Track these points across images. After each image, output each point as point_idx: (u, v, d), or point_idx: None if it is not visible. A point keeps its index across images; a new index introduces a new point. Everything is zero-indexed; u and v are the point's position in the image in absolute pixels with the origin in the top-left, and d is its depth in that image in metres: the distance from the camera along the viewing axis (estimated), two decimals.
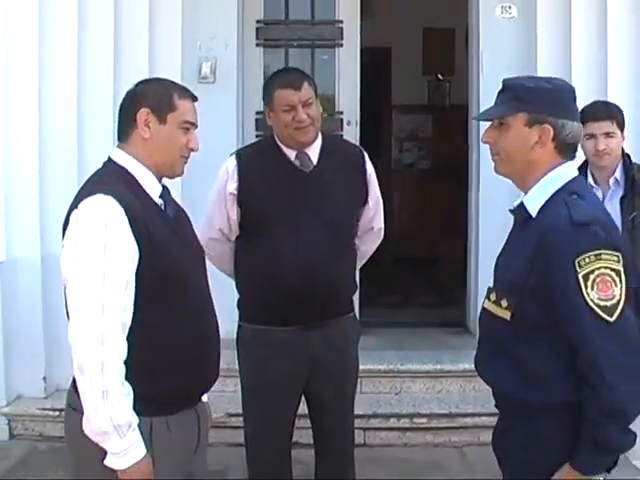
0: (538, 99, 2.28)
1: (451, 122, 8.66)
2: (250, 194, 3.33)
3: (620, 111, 3.70)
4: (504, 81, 2.39)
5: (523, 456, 2.30)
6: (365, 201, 3.50)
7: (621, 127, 3.67)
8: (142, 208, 2.32)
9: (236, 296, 3.51)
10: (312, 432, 3.63)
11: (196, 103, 2.50)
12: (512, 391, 2.29)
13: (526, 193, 2.35)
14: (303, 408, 3.57)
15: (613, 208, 3.46)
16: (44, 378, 4.61)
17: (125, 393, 2.23)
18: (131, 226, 2.25)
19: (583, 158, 3.61)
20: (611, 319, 2.12)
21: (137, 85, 2.49)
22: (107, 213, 2.24)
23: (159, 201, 2.43)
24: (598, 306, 2.12)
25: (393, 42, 8.68)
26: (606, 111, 3.62)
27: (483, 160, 5.14)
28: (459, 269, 6.29)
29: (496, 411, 4.32)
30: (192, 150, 2.46)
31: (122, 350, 2.23)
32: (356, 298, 3.83)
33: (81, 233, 2.25)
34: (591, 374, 2.13)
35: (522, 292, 2.22)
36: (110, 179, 2.35)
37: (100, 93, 4.68)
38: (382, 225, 3.66)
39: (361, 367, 3.71)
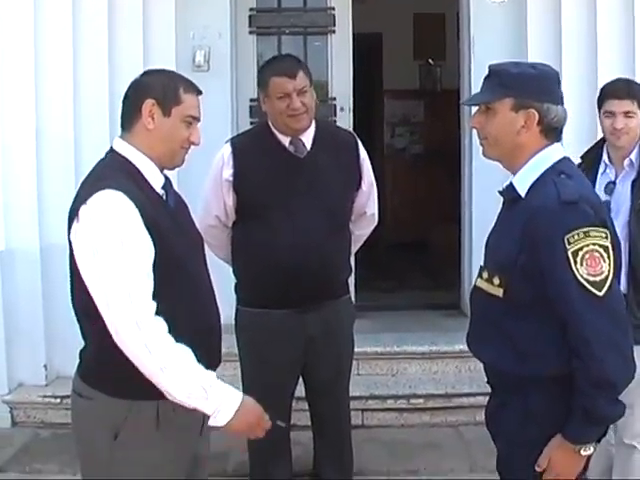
0: (523, 84, 2.33)
1: (443, 107, 8.65)
2: (245, 180, 3.38)
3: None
4: (490, 67, 2.44)
5: (517, 430, 2.35)
6: (359, 185, 3.55)
7: None
8: (148, 201, 2.34)
9: (233, 281, 3.57)
10: (309, 414, 3.70)
11: (200, 82, 2.51)
12: (505, 366, 2.35)
13: (514, 174, 2.40)
14: (300, 390, 3.63)
15: (624, 190, 3.41)
16: (45, 366, 4.64)
17: (182, 360, 2.25)
18: (144, 221, 2.28)
19: (599, 135, 3.59)
20: (600, 293, 2.18)
21: (143, 75, 2.51)
22: (119, 209, 2.26)
23: (161, 192, 2.45)
24: (587, 281, 2.18)
25: (384, 28, 8.69)
26: (628, 90, 3.49)
27: (475, 145, 5.15)
28: (452, 253, 6.34)
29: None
30: (193, 144, 2.48)
31: (161, 327, 2.25)
32: (351, 282, 3.88)
33: (96, 230, 2.25)
34: (580, 347, 2.19)
35: (513, 270, 2.28)
36: (115, 172, 2.36)
37: (95, 82, 4.70)
38: (375, 210, 3.71)
39: (358, 350, 3.77)
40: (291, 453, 3.71)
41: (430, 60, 9.19)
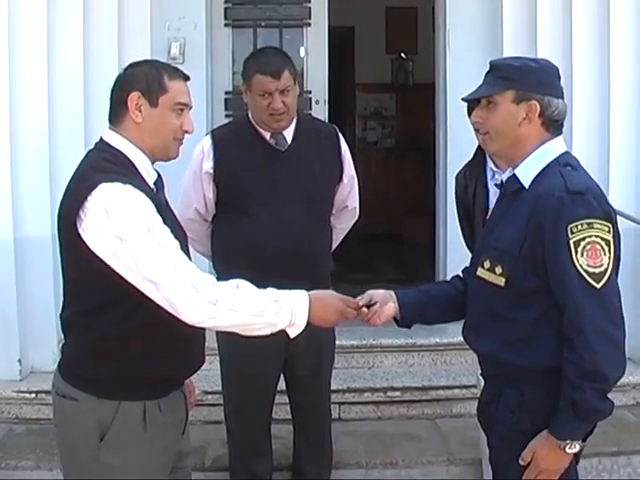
0: (525, 77, 2.35)
1: (414, 101, 8.73)
2: (226, 172, 3.36)
3: None
4: (492, 62, 2.46)
5: (510, 421, 2.37)
6: (340, 178, 3.55)
7: None
8: (150, 194, 2.31)
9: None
10: (290, 407, 3.71)
11: (189, 82, 2.46)
12: (504, 356, 2.36)
13: (515, 167, 2.42)
14: (280, 384, 3.63)
15: None
16: (19, 360, 4.58)
17: (244, 292, 2.26)
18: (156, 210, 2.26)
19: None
20: (598, 285, 2.20)
21: (127, 69, 2.45)
22: (135, 197, 2.23)
23: (153, 187, 2.41)
24: (587, 272, 2.20)
25: (356, 21, 8.71)
26: None
27: (450, 138, 5.21)
28: (425, 246, 6.37)
29: (467, 383, 4.48)
30: (186, 132, 2.43)
31: (210, 279, 2.25)
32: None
33: (118, 219, 2.19)
34: (575, 336, 2.21)
35: (516, 259, 2.29)
36: (113, 166, 2.31)
37: (70, 73, 4.65)
38: (357, 204, 3.71)
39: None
40: (271, 447, 3.71)
41: (402, 54, 9.21)
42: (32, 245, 4.55)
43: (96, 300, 2.29)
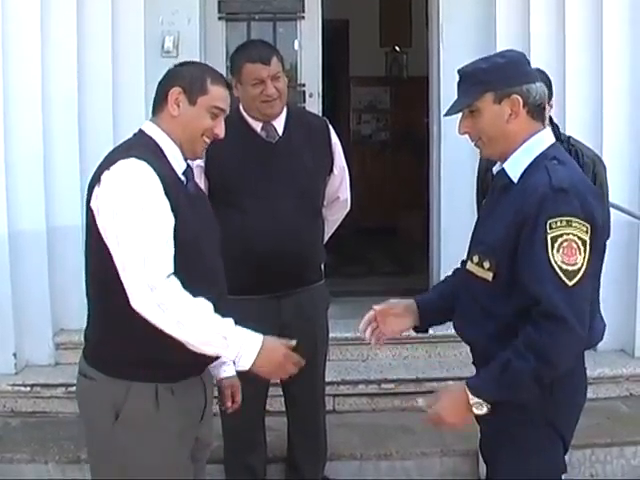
0: (497, 75, 2.36)
1: (409, 94, 8.72)
2: (218, 166, 3.37)
3: (548, 79, 3.55)
4: (460, 71, 2.46)
5: (502, 412, 2.34)
6: (330, 170, 3.57)
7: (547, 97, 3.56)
8: (169, 177, 2.39)
9: None
10: (284, 400, 3.72)
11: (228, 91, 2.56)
12: (490, 347, 2.37)
13: (504, 161, 2.42)
14: None
15: None
16: (14, 354, 4.58)
17: (198, 313, 2.30)
18: (165, 193, 2.33)
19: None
20: (570, 283, 2.21)
21: (177, 66, 2.59)
22: (143, 175, 2.32)
23: (182, 178, 2.50)
24: (560, 268, 2.21)
25: (350, 14, 8.71)
26: None
27: (444, 131, 5.21)
28: (419, 238, 6.39)
29: (460, 375, 4.49)
30: (217, 136, 2.54)
31: (176, 286, 2.29)
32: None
33: (118, 193, 2.31)
34: (544, 321, 2.21)
35: (503, 254, 2.31)
36: (141, 147, 2.42)
37: (63, 66, 4.65)
38: (348, 196, 3.73)
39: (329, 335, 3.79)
40: (266, 439, 3.73)
41: (396, 47, 9.22)
42: (27, 239, 4.55)
43: (113, 280, 2.34)
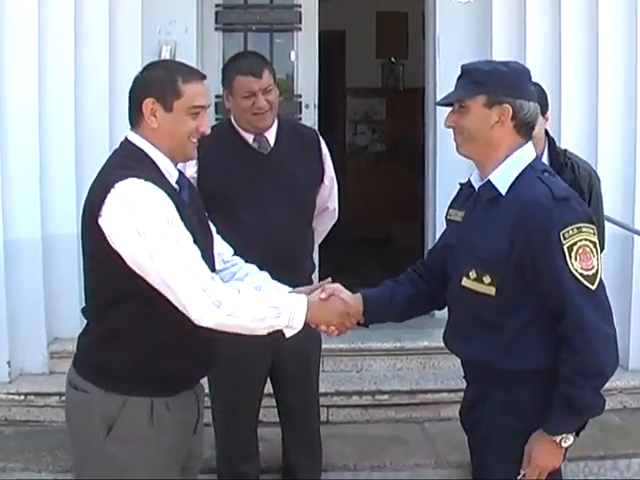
0: (495, 81, 2.39)
1: (404, 105, 8.75)
2: (210, 177, 3.38)
3: (543, 92, 3.57)
4: (462, 67, 2.50)
5: (497, 422, 2.40)
6: (321, 180, 3.58)
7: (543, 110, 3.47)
8: (168, 190, 2.36)
9: None
10: (277, 410, 3.71)
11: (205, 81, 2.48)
12: (490, 359, 2.39)
13: (488, 173, 2.43)
14: (267, 387, 3.64)
15: None
16: (8, 362, 4.57)
17: (245, 297, 2.34)
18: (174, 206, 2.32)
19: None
20: (593, 287, 2.27)
21: (143, 71, 2.50)
22: (155, 193, 2.29)
23: (176, 186, 2.46)
24: (581, 275, 2.25)
25: (347, 25, 8.74)
26: None
27: (440, 142, 5.23)
28: (414, 250, 6.38)
29: (455, 387, 4.49)
30: (203, 134, 2.46)
31: (218, 281, 2.34)
32: (315, 279, 3.89)
33: (138, 212, 2.25)
34: (576, 337, 2.25)
35: (505, 267, 2.32)
36: (136, 164, 2.36)
37: (61, 75, 4.65)
38: (336, 205, 3.75)
39: (323, 346, 3.77)
40: (258, 449, 3.72)
41: (392, 58, 9.24)
42: (22, 248, 4.55)
43: (111, 293, 2.34)
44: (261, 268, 3.28)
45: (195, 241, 2.36)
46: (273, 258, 3.29)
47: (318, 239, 3.79)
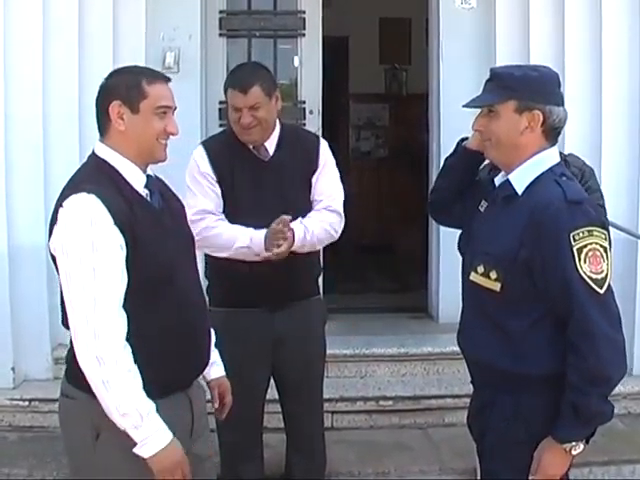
0: (526, 87, 2.39)
1: (408, 111, 8.75)
2: (220, 180, 3.42)
3: None
4: (492, 70, 2.50)
5: (505, 429, 2.39)
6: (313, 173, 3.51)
7: None
8: (126, 205, 2.35)
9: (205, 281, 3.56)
10: (282, 416, 3.71)
11: (170, 83, 2.47)
12: (499, 363, 2.38)
13: (509, 172, 2.45)
14: (271, 393, 3.64)
15: None
16: (12, 369, 4.58)
17: (129, 381, 2.27)
18: (115, 223, 2.29)
19: None
20: (601, 291, 2.26)
21: (107, 78, 2.50)
22: (91, 211, 2.28)
23: (144, 192, 2.44)
24: (590, 278, 2.25)
25: (350, 31, 8.74)
26: None
27: (443, 148, 5.23)
28: (417, 256, 6.39)
29: (459, 393, 4.49)
30: (171, 134, 2.45)
31: (119, 340, 2.27)
32: (319, 283, 3.88)
33: (68, 232, 2.30)
34: (582, 342, 2.24)
35: (512, 264, 2.33)
36: (94, 176, 2.38)
37: (65, 82, 4.67)
38: (337, 206, 3.57)
39: (326, 352, 3.78)
40: (262, 456, 3.71)
41: (396, 64, 9.25)
42: (26, 254, 4.55)
43: None
44: (260, 271, 3.31)
45: (167, 254, 2.38)
46: (275, 261, 3.30)
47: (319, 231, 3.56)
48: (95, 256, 2.26)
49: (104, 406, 2.27)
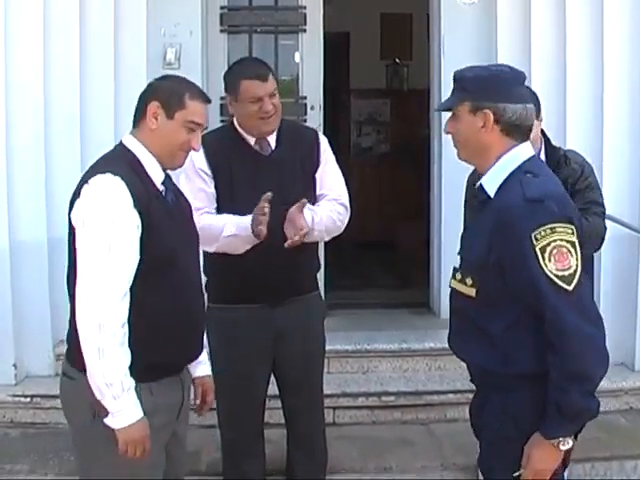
0: (477, 86, 2.41)
1: (409, 106, 8.75)
2: (217, 176, 3.41)
3: (534, 94, 3.43)
4: (454, 73, 2.52)
5: (497, 426, 2.40)
6: (316, 170, 3.53)
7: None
8: (145, 192, 2.48)
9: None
10: (282, 411, 3.72)
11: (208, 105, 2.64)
12: (487, 365, 2.40)
13: (483, 175, 2.46)
14: (272, 389, 3.64)
15: None
16: (14, 365, 4.59)
17: (121, 355, 2.39)
18: (135, 206, 2.42)
19: None
20: (570, 287, 2.24)
21: (158, 79, 2.69)
22: (115, 191, 2.42)
23: (161, 187, 2.59)
24: (557, 276, 2.23)
25: (351, 27, 8.74)
26: None
27: (445, 143, 5.22)
28: (418, 251, 6.39)
29: (461, 388, 4.50)
30: (193, 149, 2.62)
31: (121, 315, 2.39)
32: (320, 280, 3.89)
33: (91, 206, 2.43)
34: (556, 340, 2.24)
35: (485, 269, 2.33)
36: (119, 161, 2.52)
37: (66, 77, 4.67)
38: (342, 198, 3.58)
39: (328, 347, 3.78)
40: (264, 451, 3.72)
41: (397, 60, 9.24)
42: (27, 250, 4.57)
43: None
44: (261, 269, 3.31)
45: (173, 245, 2.50)
46: (271, 257, 3.30)
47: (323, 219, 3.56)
48: (113, 232, 2.39)
49: (91, 373, 2.39)
